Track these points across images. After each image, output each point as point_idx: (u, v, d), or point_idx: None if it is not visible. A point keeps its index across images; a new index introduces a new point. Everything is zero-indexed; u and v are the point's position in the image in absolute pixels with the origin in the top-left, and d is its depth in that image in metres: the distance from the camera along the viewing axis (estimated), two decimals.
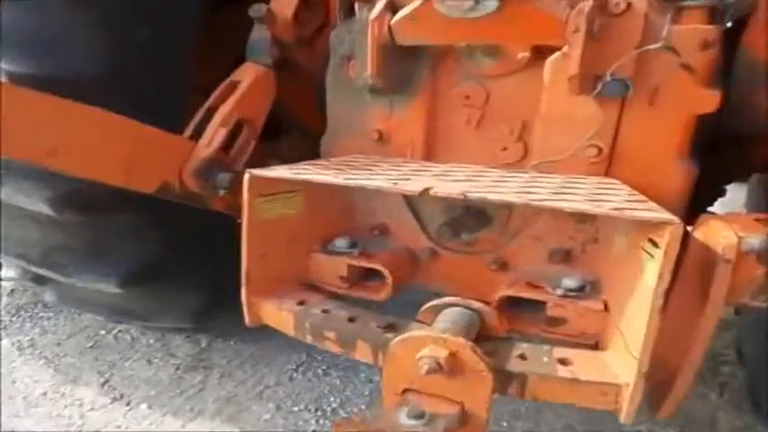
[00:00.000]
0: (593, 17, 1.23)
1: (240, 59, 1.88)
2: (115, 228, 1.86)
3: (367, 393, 2.54)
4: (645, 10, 1.26)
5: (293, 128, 2.52)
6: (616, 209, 1.08)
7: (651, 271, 1.08)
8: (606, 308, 1.33)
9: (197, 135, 1.71)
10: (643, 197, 1.21)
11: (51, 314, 3.19)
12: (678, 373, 1.23)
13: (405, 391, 1.19)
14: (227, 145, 1.74)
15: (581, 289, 1.37)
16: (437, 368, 1.08)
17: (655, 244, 1.09)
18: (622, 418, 1.14)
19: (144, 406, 2.43)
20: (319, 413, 2.39)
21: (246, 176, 1.43)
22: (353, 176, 1.34)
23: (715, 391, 2.54)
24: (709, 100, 1.31)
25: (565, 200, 1.12)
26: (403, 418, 1.08)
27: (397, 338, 1.19)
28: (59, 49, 1.55)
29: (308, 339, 1.47)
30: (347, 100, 1.73)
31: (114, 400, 2.47)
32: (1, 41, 1.45)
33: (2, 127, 1.17)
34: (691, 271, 1.24)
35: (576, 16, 1.22)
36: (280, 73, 1.87)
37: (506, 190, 1.22)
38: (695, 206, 1.44)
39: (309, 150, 2.25)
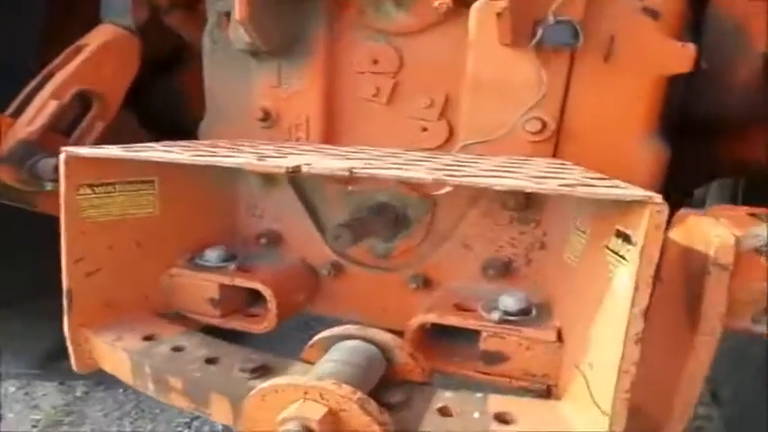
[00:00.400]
0: None
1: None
2: None
3: None
4: None
5: None
6: (566, 185, 0.72)
7: (622, 280, 0.73)
8: (560, 338, 0.96)
9: (21, 111, 1.27)
10: (603, 175, 0.86)
11: None
12: (663, 427, 0.86)
13: None
14: (68, 126, 1.31)
15: (525, 312, 1.01)
16: None
17: (626, 239, 0.74)
18: None
19: None
20: None
21: (62, 156, 1.01)
22: (205, 155, 0.94)
23: None
24: (681, 55, 1.00)
25: (502, 177, 0.76)
26: None
27: (255, 390, 0.78)
28: None
29: (150, 389, 1.04)
30: (227, 70, 1.35)
31: None
32: None
33: None
34: (672, 285, 0.90)
35: None
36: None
37: (420, 169, 0.84)
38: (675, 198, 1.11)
39: None
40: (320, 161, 0.85)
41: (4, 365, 1.93)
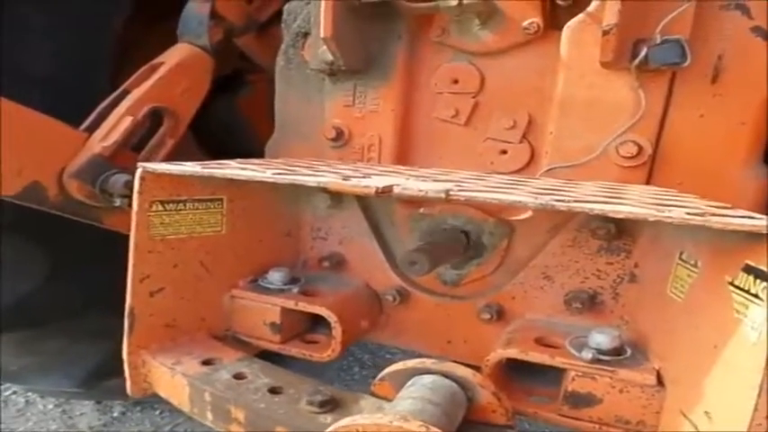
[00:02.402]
0: None
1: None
2: None
3: None
4: None
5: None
6: (696, 213, 0.64)
7: (755, 321, 0.64)
8: (660, 381, 0.87)
9: (95, 127, 1.28)
10: (720, 203, 0.78)
11: None
12: None
13: None
14: (139, 142, 1.31)
15: (619, 352, 0.91)
16: None
17: (759, 275, 0.65)
18: None
19: None
20: None
21: (138, 171, 1.00)
22: (287, 173, 0.90)
23: None
24: None
25: (607, 203, 0.69)
26: None
27: (330, 429, 0.72)
28: None
29: (209, 419, 0.99)
30: (300, 91, 1.34)
31: None
32: None
33: None
34: None
35: None
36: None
37: (512, 192, 0.78)
38: None
39: None
40: (410, 182, 0.80)
41: (45, 383, 1.92)
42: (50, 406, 2.35)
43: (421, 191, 0.72)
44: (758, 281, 0.65)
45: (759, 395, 0.62)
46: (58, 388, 1.99)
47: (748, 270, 0.67)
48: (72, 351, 1.73)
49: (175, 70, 1.36)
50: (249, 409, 0.92)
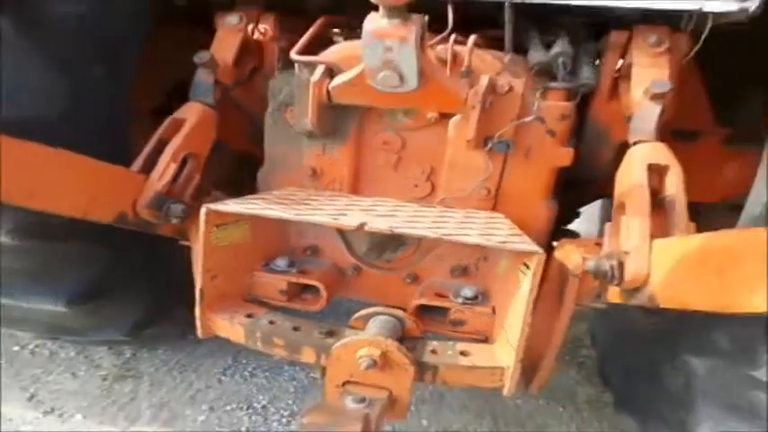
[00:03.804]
0: (486, 95, 1.65)
1: (177, 82, 2.12)
2: (63, 252, 1.98)
3: (292, 390, 2.83)
4: (522, 91, 1.71)
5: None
6: (501, 242, 1.50)
7: (525, 285, 1.50)
8: (494, 311, 1.76)
9: (147, 167, 1.90)
10: (519, 231, 1.65)
11: None
12: (544, 358, 1.69)
13: (344, 383, 1.53)
14: (175, 177, 1.95)
15: (475, 298, 1.79)
16: (373, 364, 1.43)
17: (527, 266, 1.52)
18: (505, 392, 1.55)
19: (78, 416, 2.52)
20: (251, 411, 2.64)
21: (204, 211, 1.67)
22: (300, 211, 1.65)
23: (574, 369, 3.17)
24: (566, 156, 1.79)
25: (466, 234, 1.53)
26: (349, 404, 1.41)
27: (340, 342, 1.51)
28: (21, 95, 1.68)
29: (259, 346, 1.74)
30: (284, 140, 2.03)
31: (45, 413, 2.53)
32: None
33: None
34: (552, 282, 1.72)
35: (473, 95, 1.64)
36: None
37: (422, 225, 1.60)
38: (561, 223, 1.92)
39: (233, 168, 2.51)
40: (371, 219, 1.59)
41: (100, 335, 2.57)
42: (72, 353, 2.96)
43: (378, 228, 1.51)
44: (527, 269, 1.52)
45: (525, 315, 1.50)
46: (111, 337, 2.64)
47: (525, 264, 1.54)
48: (121, 315, 2.40)
49: (196, 126, 1.98)
50: (284, 337, 1.67)
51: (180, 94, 2.54)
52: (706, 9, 1.58)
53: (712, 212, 2.19)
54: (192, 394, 2.75)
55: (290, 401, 2.74)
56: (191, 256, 1.95)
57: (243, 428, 2.54)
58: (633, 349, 2.38)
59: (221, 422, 2.57)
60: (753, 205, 1.51)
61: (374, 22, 1.34)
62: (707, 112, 2.18)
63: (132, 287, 2.33)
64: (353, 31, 2.15)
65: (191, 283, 1.75)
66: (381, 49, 1.39)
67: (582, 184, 2.12)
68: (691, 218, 1.51)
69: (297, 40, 1.99)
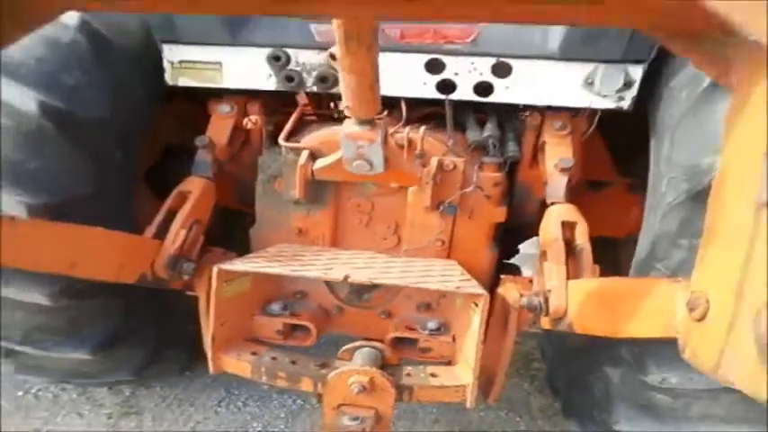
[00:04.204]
0: (436, 174, 2.12)
1: (167, 145, 2.62)
2: (88, 308, 2.32)
3: (283, 416, 3.18)
4: (463, 167, 2.19)
5: None
6: (456, 287, 1.95)
7: (475, 318, 1.94)
8: (454, 339, 2.20)
9: (159, 233, 2.28)
10: (469, 276, 2.11)
11: None
12: (497, 374, 2.14)
13: (339, 406, 1.93)
14: (184, 241, 2.33)
15: (439, 329, 2.24)
16: (363, 389, 1.85)
17: (476, 304, 1.97)
18: (468, 405, 1.97)
19: None
20: None
21: (215, 270, 2.06)
22: (295, 268, 2.06)
23: (527, 381, 3.65)
24: (501, 213, 2.29)
25: (427, 282, 1.98)
26: (346, 422, 1.82)
27: (334, 372, 1.92)
28: (57, 180, 2.04)
29: (264, 379, 2.13)
30: (274, 205, 2.44)
31: None
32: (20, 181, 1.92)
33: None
34: (497, 314, 2.18)
35: (426, 174, 2.11)
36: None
37: (393, 275, 2.04)
38: (505, 258, 2.40)
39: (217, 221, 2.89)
40: (354, 272, 2.02)
41: (110, 378, 2.87)
42: (74, 395, 3.22)
43: (359, 279, 1.94)
44: (476, 307, 1.97)
45: (477, 341, 1.94)
46: (120, 378, 2.93)
47: (474, 303, 1.99)
48: (126, 354, 2.73)
49: (200, 197, 2.37)
50: (285, 371, 2.07)
51: (170, 155, 2.97)
52: (594, 106, 2.12)
53: (624, 246, 2.75)
54: (192, 426, 3.07)
55: (283, 426, 3.10)
56: (193, 303, 2.33)
57: None
58: (571, 362, 2.87)
59: None
60: (640, 250, 2.03)
61: (349, 127, 1.78)
62: (610, 166, 2.73)
63: (140, 333, 2.67)
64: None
65: (187, 326, 2.07)
66: (355, 147, 1.83)
67: (517, 229, 2.62)
68: (595, 260, 2.01)
69: (280, 120, 2.44)
